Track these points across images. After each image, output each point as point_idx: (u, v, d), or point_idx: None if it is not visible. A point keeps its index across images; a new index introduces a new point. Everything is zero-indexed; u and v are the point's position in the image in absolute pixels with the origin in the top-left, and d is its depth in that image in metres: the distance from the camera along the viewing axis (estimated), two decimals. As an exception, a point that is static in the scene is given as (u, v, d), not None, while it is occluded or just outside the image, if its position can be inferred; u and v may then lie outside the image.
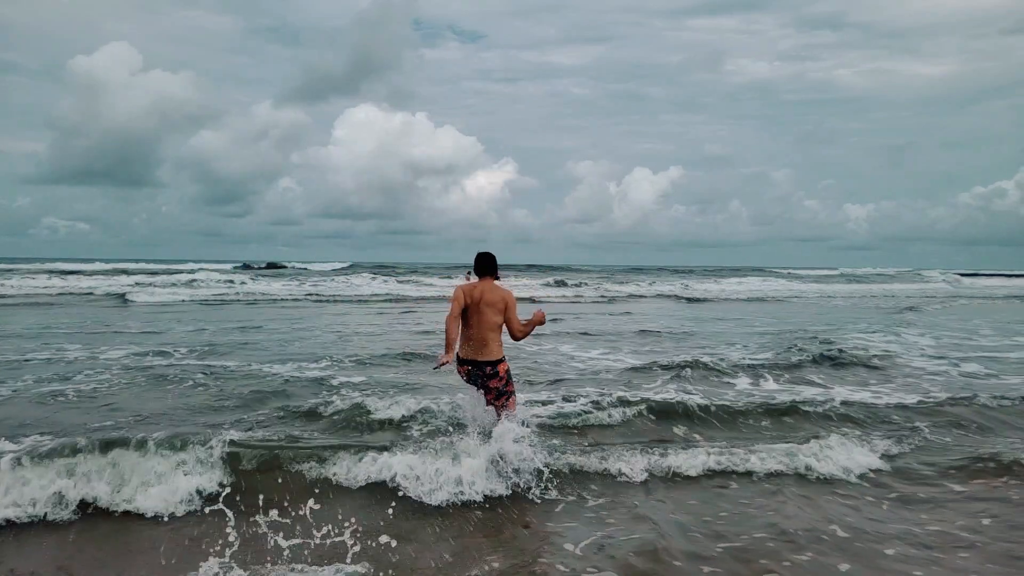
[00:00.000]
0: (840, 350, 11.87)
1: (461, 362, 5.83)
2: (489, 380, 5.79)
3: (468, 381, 5.90)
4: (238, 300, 27.76)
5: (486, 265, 5.95)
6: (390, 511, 4.64)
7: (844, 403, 7.87)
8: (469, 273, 34.21)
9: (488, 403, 5.87)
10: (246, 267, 60.71)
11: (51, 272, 39.69)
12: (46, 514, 4.51)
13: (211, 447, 5.15)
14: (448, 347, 5.71)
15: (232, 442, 5.30)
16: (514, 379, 6.12)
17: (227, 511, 4.17)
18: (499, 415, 5.80)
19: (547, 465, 5.36)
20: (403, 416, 6.83)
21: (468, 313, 5.79)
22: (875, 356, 11.66)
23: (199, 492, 4.80)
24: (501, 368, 5.81)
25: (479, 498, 4.92)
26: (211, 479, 4.92)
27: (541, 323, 6.00)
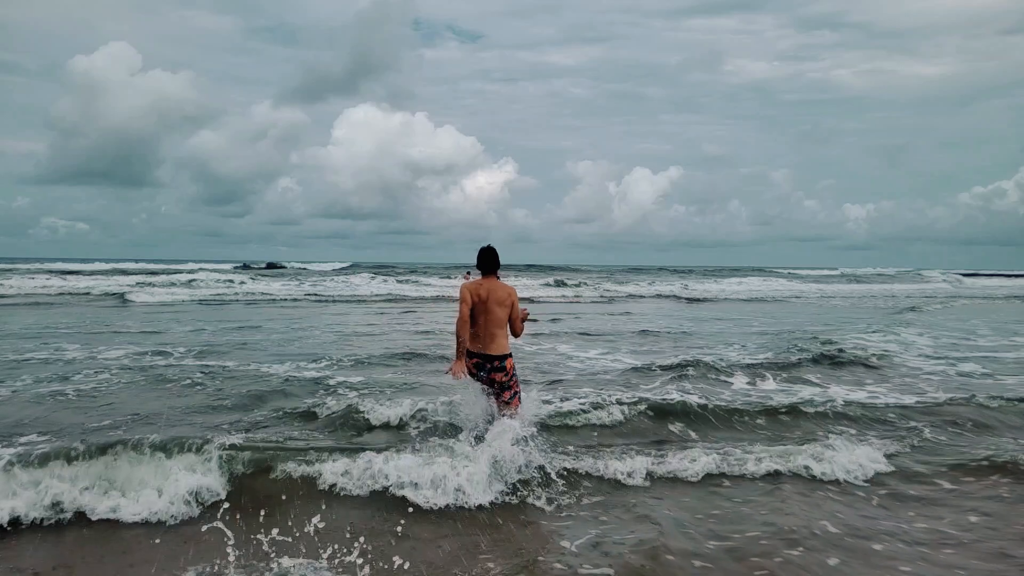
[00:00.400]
0: (840, 350, 11.90)
1: (469, 355, 5.86)
2: (494, 373, 5.82)
3: (473, 374, 5.91)
4: (237, 300, 27.78)
5: (491, 262, 5.95)
6: (386, 512, 4.67)
7: (842, 403, 7.89)
8: (468, 273, 34.31)
9: (491, 394, 5.90)
10: (246, 267, 60.72)
11: (50, 272, 39.73)
12: (43, 518, 4.49)
13: (208, 451, 5.13)
14: (459, 353, 5.75)
15: (230, 446, 5.27)
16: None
17: (225, 516, 4.21)
18: (501, 411, 5.83)
19: (546, 465, 5.38)
20: (402, 418, 6.81)
21: (476, 312, 5.83)
22: (874, 356, 11.68)
23: (197, 498, 4.75)
24: (508, 363, 5.86)
25: (480, 501, 4.88)
26: (208, 484, 4.88)
27: (523, 320, 6.14)
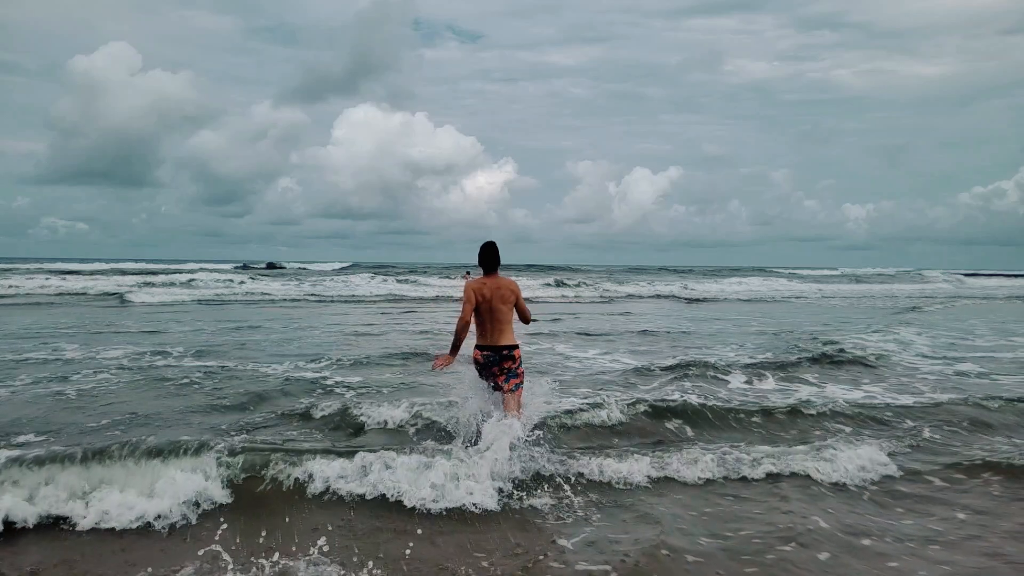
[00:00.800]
0: (840, 350, 11.89)
1: (479, 347, 6.04)
2: (504, 361, 5.99)
3: (482, 366, 6.04)
4: (237, 300, 27.76)
5: (491, 259, 6.02)
6: (382, 514, 4.67)
7: (841, 403, 7.89)
8: (468, 273, 34.04)
9: (496, 387, 6.01)
10: (246, 267, 60.71)
11: (50, 272, 39.74)
12: (38, 523, 4.43)
13: (205, 454, 5.05)
14: (454, 349, 5.86)
15: (228, 450, 5.20)
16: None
17: (223, 518, 4.22)
18: (505, 404, 5.89)
19: (544, 466, 5.39)
20: (400, 420, 6.73)
21: (481, 311, 5.96)
22: (874, 356, 11.67)
23: (194, 501, 4.67)
24: (516, 353, 6.04)
25: (478, 503, 4.82)
26: (205, 487, 4.79)
27: None
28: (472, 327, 6.01)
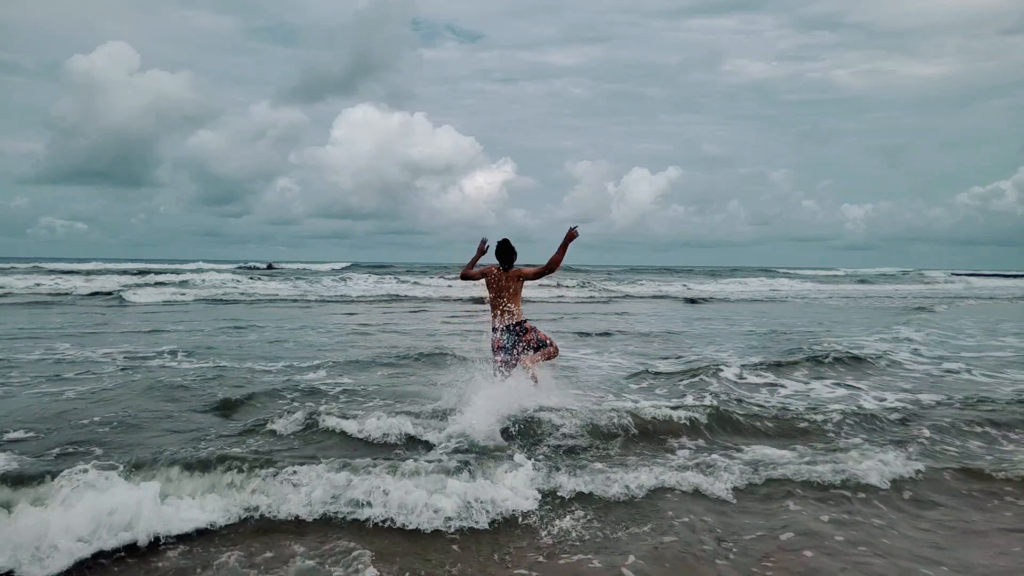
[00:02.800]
0: (844, 351, 11.78)
1: (494, 332, 7.01)
2: (522, 336, 6.96)
3: (499, 347, 6.94)
4: (236, 300, 27.67)
5: (506, 255, 7.00)
6: (373, 524, 4.59)
7: (842, 405, 7.85)
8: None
9: (525, 362, 6.85)
10: (245, 267, 60.63)
11: (48, 272, 39.70)
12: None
13: (186, 468, 4.82)
14: (470, 264, 7.15)
15: (212, 463, 4.93)
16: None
17: (207, 537, 4.10)
18: (537, 360, 6.92)
19: (542, 471, 5.33)
20: (396, 427, 6.38)
21: (492, 298, 7.03)
22: (876, 357, 11.58)
23: (176, 518, 4.33)
24: (527, 325, 7.07)
25: (478, 523, 4.60)
26: (185, 505, 4.50)
27: (573, 238, 6.89)
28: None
